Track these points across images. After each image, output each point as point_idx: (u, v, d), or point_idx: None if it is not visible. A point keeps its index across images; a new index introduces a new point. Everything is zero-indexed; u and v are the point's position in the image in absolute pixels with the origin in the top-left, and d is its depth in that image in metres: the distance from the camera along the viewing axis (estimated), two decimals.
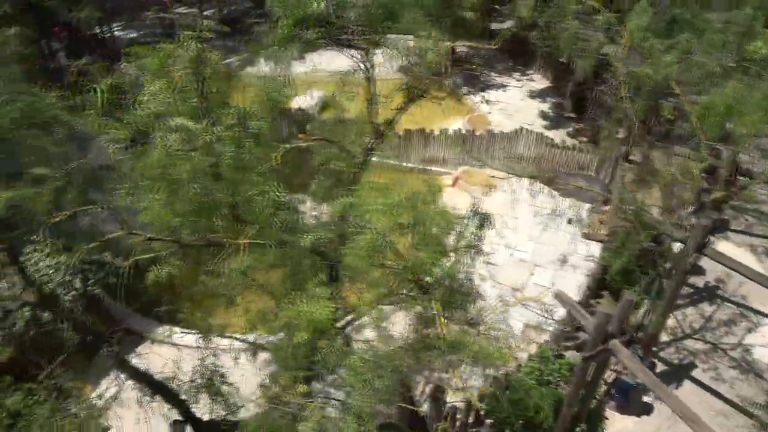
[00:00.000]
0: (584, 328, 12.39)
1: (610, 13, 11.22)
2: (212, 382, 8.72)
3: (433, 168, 20.73)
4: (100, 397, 7.84)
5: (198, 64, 4.69)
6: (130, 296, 15.33)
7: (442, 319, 4.93)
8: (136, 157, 4.65)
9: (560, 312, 15.03)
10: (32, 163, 5.27)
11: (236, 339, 9.58)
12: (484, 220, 7.03)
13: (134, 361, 14.03)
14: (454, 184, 20.08)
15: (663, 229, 12.04)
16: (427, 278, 5.00)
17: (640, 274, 14.92)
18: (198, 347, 9.58)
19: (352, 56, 5.37)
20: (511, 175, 19.53)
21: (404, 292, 5.12)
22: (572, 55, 14.57)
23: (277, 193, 4.86)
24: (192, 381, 8.31)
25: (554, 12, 13.86)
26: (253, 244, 5.10)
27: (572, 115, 23.22)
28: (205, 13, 28.82)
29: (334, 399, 5.69)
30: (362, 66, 5.59)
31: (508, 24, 27.35)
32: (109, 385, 7.89)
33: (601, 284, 15.68)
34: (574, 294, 15.07)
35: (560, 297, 10.62)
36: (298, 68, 9.21)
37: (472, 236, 6.60)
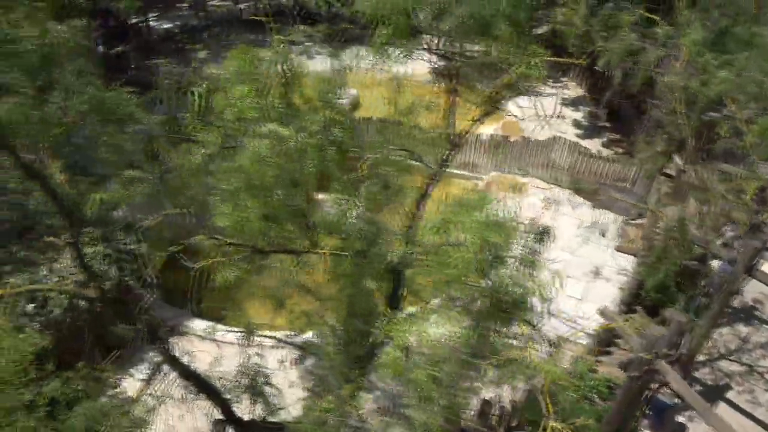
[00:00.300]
0: (629, 346, 12.18)
1: (667, 26, 10.99)
2: (255, 382, 8.67)
3: (465, 172, 20.56)
4: (152, 395, 7.84)
5: (285, 69, 4.61)
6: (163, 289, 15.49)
7: (530, 342, 4.82)
8: (223, 161, 4.59)
9: (592, 325, 14.83)
10: (112, 162, 5.25)
11: (280, 340, 9.53)
12: (543, 234, 6.88)
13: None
14: (485, 189, 19.91)
15: (710, 247, 11.80)
16: (508, 297, 4.90)
17: (677, 291, 14.66)
18: (240, 345, 9.53)
19: (434, 63, 5.28)
20: (550, 185, 19.30)
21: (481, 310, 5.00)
22: (613, 65, 14.29)
23: (357, 204, 4.79)
24: (237, 381, 8.26)
25: (602, 21, 13.62)
26: (321, 251, 5.03)
27: (607, 125, 22.91)
28: (240, 6, 28.85)
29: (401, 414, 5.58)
30: (447, 76, 5.49)
31: (542, 30, 27.02)
32: (158, 382, 7.87)
33: (634, 299, 15.45)
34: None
35: (605, 313, 10.45)
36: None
37: (530, 250, 6.46)
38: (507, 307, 4.87)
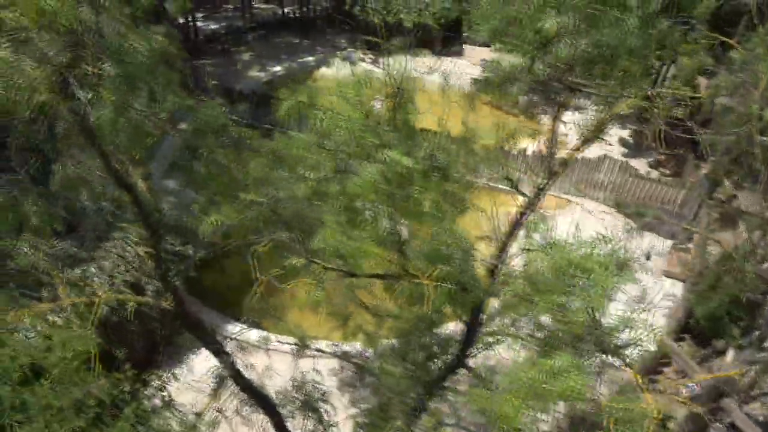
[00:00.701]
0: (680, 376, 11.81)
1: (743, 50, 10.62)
2: (310, 398, 8.55)
3: (506, 187, 20.24)
4: (219, 410, 7.78)
5: (396, 91, 4.47)
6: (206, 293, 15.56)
7: (645, 389, 4.60)
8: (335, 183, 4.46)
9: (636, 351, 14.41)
10: (211, 178, 5.20)
11: (335, 356, 9.39)
12: (622, 266, 6.64)
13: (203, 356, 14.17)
14: None
15: None
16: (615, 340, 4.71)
17: (730, 322, 14.19)
18: (292, 354, 9.43)
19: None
20: (611, 208, 18.88)
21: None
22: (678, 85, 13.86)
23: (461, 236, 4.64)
24: (295, 397, 8.15)
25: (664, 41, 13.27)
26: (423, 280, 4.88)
27: (653, 144, 22.40)
28: (285, 9, 29.00)
29: None
30: (557, 104, 5.31)
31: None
32: (224, 395, 7.81)
33: (683, 327, 15.01)
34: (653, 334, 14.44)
35: (664, 344, 10.11)
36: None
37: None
38: (611, 349, 4.67)
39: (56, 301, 6.66)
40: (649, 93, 4.87)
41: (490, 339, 6.53)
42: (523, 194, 5.80)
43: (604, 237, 4.62)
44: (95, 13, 3.99)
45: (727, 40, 10.97)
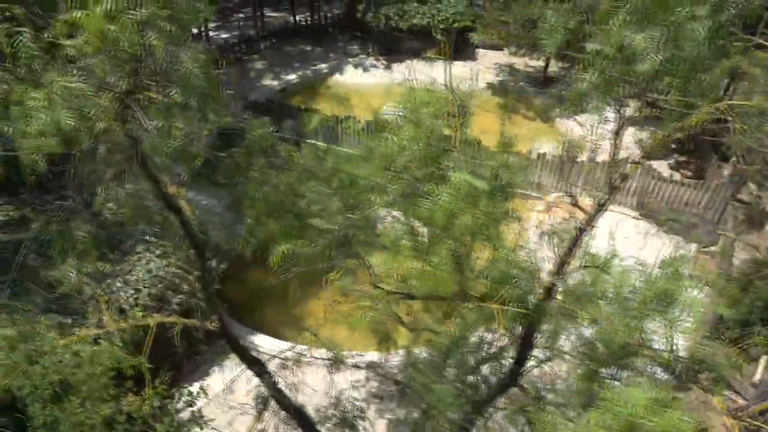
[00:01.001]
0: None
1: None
2: (347, 416, 8.41)
3: (527, 192, 20.09)
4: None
5: (460, 109, 4.34)
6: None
7: (723, 408, 4.45)
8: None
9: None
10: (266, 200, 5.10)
11: (361, 367, 9.24)
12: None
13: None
14: (547, 211, 19.40)
15: None
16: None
17: (763, 327, 13.96)
18: (327, 368, 9.26)
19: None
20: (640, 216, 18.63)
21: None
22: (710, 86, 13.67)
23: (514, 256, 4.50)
24: (334, 416, 8.02)
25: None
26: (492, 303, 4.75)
27: (673, 145, 22.18)
28: (296, 17, 28.98)
29: None
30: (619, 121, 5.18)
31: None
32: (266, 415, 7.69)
33: (712, 332, 14.76)
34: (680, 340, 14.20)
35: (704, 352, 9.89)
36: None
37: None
38: (690, 376, 4.51)
39: (101, 325, 6.55)
40: (721, 106, 4.70)
41: (543, 356, 6.38)
42: (578, 205, 5.64)
43: (682, 256, 4.46)
44: (159, 39, 3.89)
45: (763, 42, 10.79)
